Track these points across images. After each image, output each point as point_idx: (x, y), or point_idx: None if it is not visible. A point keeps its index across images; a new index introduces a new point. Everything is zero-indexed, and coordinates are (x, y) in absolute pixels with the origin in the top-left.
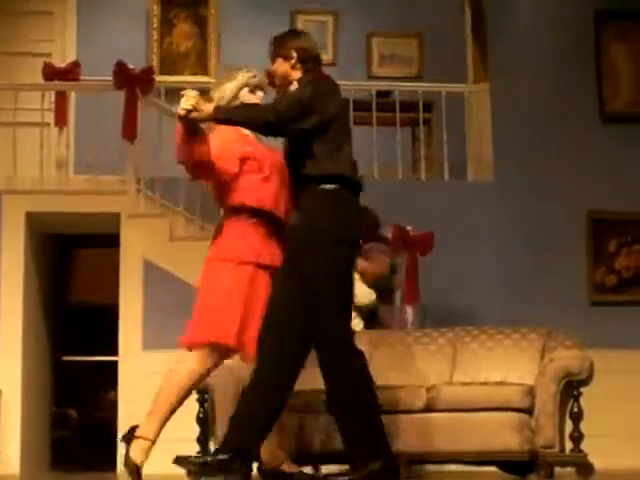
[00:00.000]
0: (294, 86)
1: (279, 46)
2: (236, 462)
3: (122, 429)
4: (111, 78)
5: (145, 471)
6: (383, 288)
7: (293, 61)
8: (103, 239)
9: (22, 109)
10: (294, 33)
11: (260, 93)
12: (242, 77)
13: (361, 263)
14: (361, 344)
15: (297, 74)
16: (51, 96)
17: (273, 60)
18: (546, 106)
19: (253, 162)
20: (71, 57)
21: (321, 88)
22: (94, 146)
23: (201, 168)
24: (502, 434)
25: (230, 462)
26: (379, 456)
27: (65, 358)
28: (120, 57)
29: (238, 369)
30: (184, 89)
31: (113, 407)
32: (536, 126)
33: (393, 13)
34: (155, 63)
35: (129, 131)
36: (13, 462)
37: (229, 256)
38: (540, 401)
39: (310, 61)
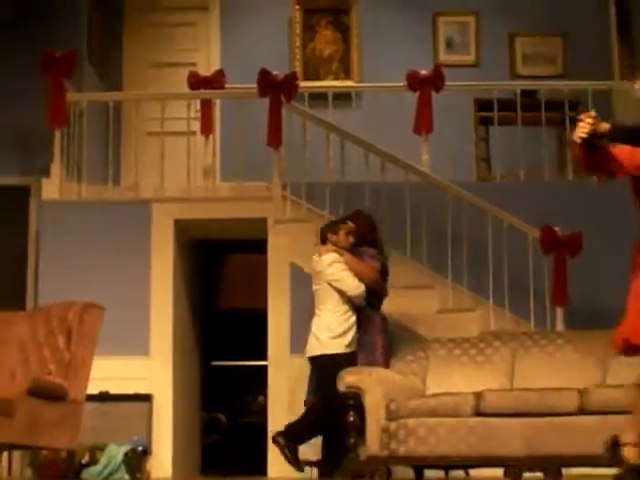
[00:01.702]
0: None
1: None
2: None
3: (271, 434)
4: (255, 85)
5: (294, 474)
6: (372, 293)
7: None
8: (250, 245)
9: (169, 119)
10: None
11: None
12: None
13: (355, 263)
14: (509, 345)
15: None
16: (197, 105)
17: None
18: None
19: None
20: (215, 66)
21: None
22: (240, 153)
23: (613, 168)
24: None
25: None
26: None
27: (214, 363)
28: (263, 64)
29: (386, 373)
30: (327, 94)
31: (262, 411)
32: None
33: (535, 12)
34: (298, 69)
35: (274, 138)
36: (165, 466)
37: None
38: None
39: None
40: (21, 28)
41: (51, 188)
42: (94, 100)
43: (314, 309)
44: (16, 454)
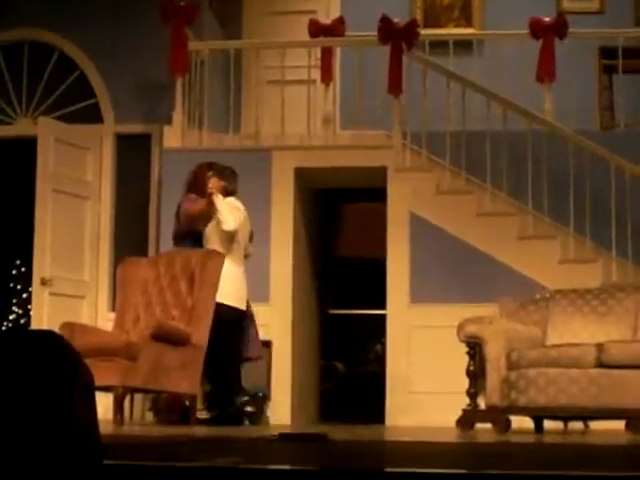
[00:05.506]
0: None
1: None
2: None
3: (389, 382)
4: (376, 33)
5: (413, 423)
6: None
7: None
8: (369, 193)
9: (289, 67)
10: None
11: None
12: None
13: None
14: (633, 297)
15: None
16: (317, 53)
17: None
18: None
19: None
20: (335, 13)
21: None
22: (359, 101)
23: None
24: None
25: None
26: None
27: (331, 311)
28: (384, 11)
29: (507, 323)
30: (448, 42)
31: (380, 360)
32: None
33: None
34: (419, 17)
35: (394, 85)
36: (284, 412)
37: None
38: None
39: None
40: None
41: (173, 136)
42: (215, 48)
43: (432, 258)
44: (137, 398)
